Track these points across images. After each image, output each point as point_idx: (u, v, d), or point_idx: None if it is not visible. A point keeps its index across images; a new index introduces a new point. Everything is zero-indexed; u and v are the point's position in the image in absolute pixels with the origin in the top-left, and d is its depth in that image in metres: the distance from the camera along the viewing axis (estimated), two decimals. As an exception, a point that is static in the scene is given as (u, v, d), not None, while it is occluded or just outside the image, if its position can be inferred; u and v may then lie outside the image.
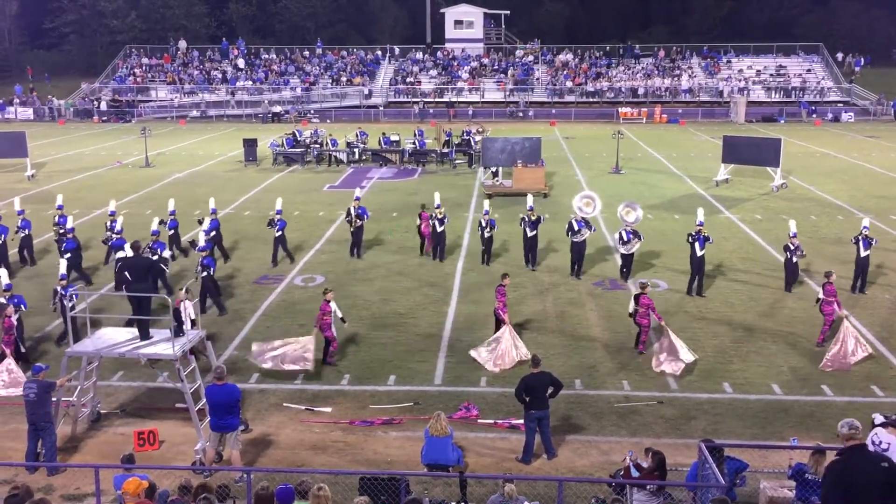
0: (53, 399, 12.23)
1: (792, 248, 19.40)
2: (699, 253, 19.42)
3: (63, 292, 16.24)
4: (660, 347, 15.57)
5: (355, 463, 12.23)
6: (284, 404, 14.15)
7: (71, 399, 13.11)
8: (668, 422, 13.48)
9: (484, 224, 21.98)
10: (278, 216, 22.32)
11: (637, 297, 16.26)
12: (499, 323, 16.40)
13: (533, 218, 21.46)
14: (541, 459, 12.33)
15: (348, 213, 23.18)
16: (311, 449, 12.71)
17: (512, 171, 32.19)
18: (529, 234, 21.56)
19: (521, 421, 12.55)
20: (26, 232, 22.01)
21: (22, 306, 16.02)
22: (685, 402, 14.15)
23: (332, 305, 15.84)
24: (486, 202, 24.27)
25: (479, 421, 13.48)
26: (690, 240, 19.62)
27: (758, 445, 11.69)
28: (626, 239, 20.37)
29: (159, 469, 11.50)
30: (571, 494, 10.71)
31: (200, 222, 22.67)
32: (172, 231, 22.80)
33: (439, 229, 22.46)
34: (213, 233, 21.97)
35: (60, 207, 22.77)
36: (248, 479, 9.77)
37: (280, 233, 22.10)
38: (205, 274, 18.48)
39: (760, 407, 13.98)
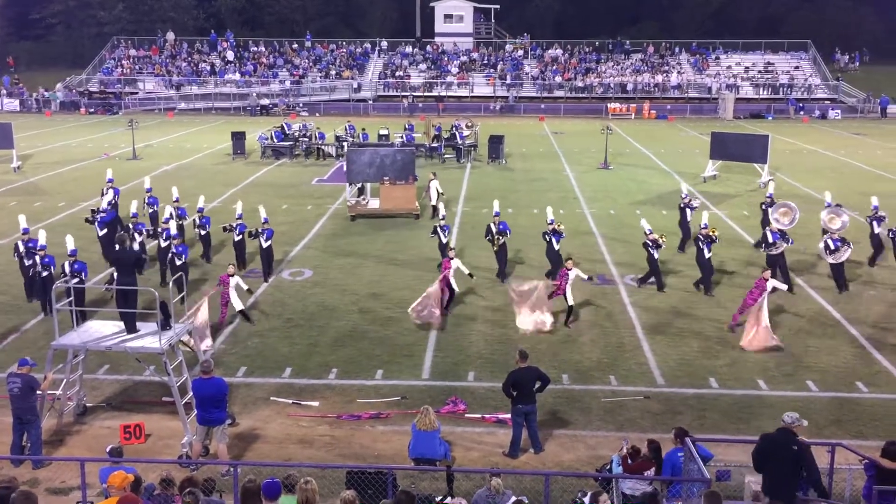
0: (38, 392, 12.17)
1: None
2: None
3: (178, 250, 18.69)
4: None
5: (342, 457, 12.23)
6: (272, 398, 14.13)
7: (56, 392, 13.05)
8: (655, 417, 13.55)
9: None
10: (264, 224, 20.60)
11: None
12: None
13: (715, 235, 19.37)
14: (528, 454, 12.38)
15: (488, 232, 20.50)
16: (298, 443, 12.71)
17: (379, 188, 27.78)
18: (707, 254, 19.19)
19: (509, 415, 12.59)
20: (154, 208, 23.48)
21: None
22: (672, 397, 14.24)
23: (455, 262, 18.14)
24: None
25: (466, 415, 13.51)
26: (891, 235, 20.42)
27: (743, 440, 11.78)
28: (833, 247, 18.76)
29: (145, 462, 11.47)
30: (558, 489, 10.75)
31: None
32: (152, 210, 23.36)
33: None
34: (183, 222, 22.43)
35: (149, 189, 24.29)
36: (234, 472, 9.78)
37: (268, 243, 20.43)
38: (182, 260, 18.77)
39: (746, 402, 14.09)
